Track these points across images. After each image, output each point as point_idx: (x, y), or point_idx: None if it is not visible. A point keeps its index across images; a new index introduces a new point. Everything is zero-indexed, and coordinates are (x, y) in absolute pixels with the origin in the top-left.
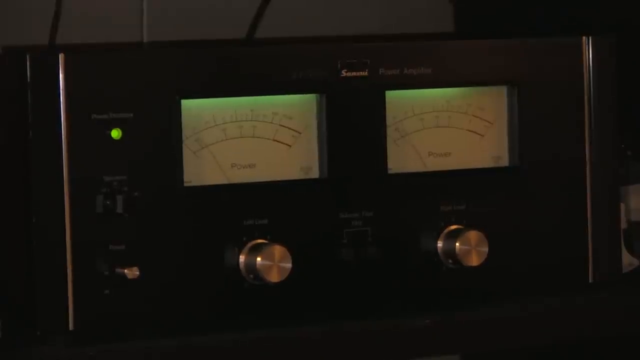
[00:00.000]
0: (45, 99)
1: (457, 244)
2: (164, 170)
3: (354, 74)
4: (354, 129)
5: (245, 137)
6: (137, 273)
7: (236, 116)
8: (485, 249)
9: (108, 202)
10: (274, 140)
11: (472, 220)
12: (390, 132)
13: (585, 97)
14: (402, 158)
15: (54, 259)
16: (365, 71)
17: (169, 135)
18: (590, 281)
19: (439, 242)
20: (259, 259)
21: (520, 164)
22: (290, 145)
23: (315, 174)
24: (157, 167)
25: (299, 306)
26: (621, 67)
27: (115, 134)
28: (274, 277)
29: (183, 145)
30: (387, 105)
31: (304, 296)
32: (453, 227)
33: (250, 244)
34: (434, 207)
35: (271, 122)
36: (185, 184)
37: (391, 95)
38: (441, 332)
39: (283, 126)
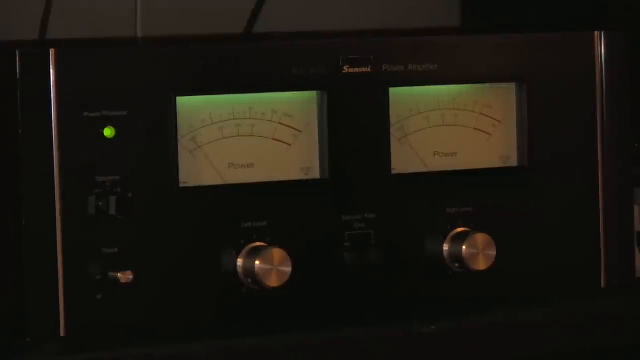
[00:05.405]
0: (35, 96)
1: (464, 248)
2: (158, 170)
3: (356, 70)
4: (357, 128)
5: (243, 135)
6: (131, 277)
7: (234, 114)
8: (493, 253)
9: (100, 204)
10: (273, 139)
11: (480, 223)
12: (394, 131)
13: (598, 95)
14: (406, 158)
15: (45, 263)
16: (368, 67)
17: (163, 134)
18: (602, 286)
19: (444, 245)
20: (257, 262)
21: (530, 164)
22: (290, 145)
23: (316, 174)
24: (152, 167)
25: (299, 312)
26: (635, 63)
27: (108, 132)
28: (273, 282)
29: (179, 144)
30: (391, 103)
31: (304, 301)
32: (459, 229)
33: (248, 247)
34: (439, 209)
35: (270, 120)
36: (181, 185)
37: (395, 92)
38: (448, 339)
39: (282, 124)
